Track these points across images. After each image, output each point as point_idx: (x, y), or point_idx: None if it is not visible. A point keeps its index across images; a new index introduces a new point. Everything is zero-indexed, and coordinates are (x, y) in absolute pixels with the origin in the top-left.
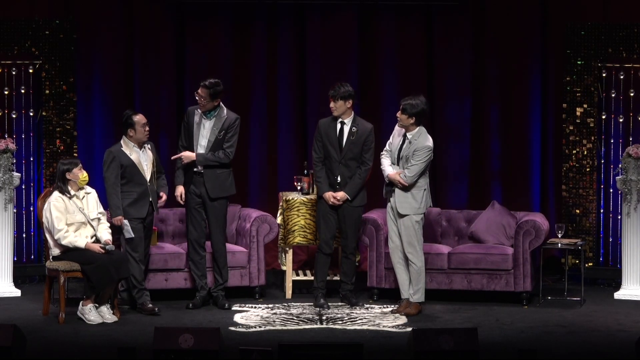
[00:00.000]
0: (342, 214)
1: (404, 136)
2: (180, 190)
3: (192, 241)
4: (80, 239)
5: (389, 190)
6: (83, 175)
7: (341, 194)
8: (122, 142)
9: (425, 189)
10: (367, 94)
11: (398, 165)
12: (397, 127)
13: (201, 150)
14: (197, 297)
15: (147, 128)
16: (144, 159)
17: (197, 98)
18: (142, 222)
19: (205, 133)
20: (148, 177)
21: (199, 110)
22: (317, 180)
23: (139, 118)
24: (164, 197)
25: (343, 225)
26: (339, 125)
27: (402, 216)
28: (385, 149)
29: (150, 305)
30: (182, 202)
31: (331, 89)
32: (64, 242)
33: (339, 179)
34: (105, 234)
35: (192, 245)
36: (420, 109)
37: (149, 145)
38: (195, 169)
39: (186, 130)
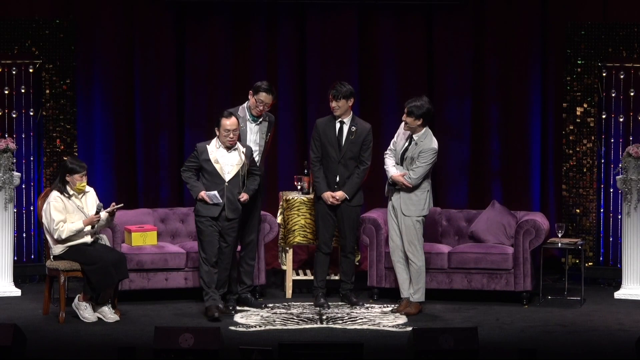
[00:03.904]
0: (340, 213)
1: (410, 137)
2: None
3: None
4: (77, 222)
5: (391, 189)
6: (81, 184)
7: (340, 194)
8: (214, 139)
9: (428, 190)
10: (367, 93)
11: (402, 165)
12: (402, 128)
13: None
14: (232, 300)
15: (232, 135)
16: (228, 161)
17: (260, 106)
18: (214, 222)
19: (254, 138)
20: (228, 178)
21: (239, 114)
22: (315, 180)
23: (225, 122)
24: (244, 196)
25: (341, 225)
26: (337, 125)
27: (404, 216)
28: (389, 148)
29: (216, 313)
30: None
31: (332, 89)
32: (64, 236)
33: (337, 178)
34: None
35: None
36: (426, 109)
37: (243, 149)
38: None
39: None
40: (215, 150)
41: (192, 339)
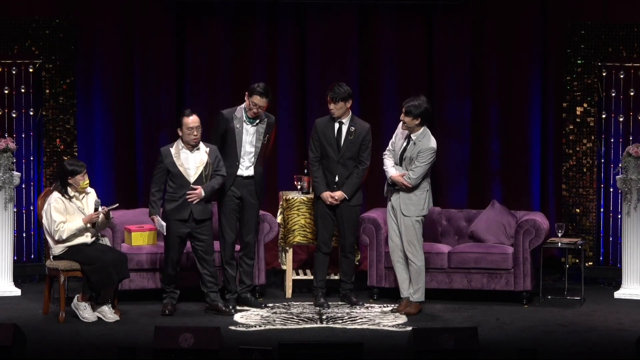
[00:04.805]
0: (339, 213)
1: (408, 137)
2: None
3: (231, 244)
4: (77, 221)
5: (391, 189)
6: (84, 182)
7: (339, 194)
8: (175, 142)
9: (427, 190)
10: (367, 93)
11: (401, 165)
12: (400, 128)
13: (247, 157)
14: (232, 300)
15: (196, 133)
16: (191, 161)
17: (253, 109)
18: (183, 224)
19: (249, 139)
20: (192, 180)
21: (236, 114)
22: (314, 180)
23: (187, 120)
24: (198, 189)
25: (340, 225)
26: (337, 125)
27: (403, 216)
28: (387, 148)
29: (167, 310)
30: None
31: (329, 91)
32: (65, 236)
33: (337, 178)
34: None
35: (230, 249)
36: (424, 109)
37: (207, 149)
38: (247, 175)
39: (223, 136)
40: (178, 152)
41: (192, 339)
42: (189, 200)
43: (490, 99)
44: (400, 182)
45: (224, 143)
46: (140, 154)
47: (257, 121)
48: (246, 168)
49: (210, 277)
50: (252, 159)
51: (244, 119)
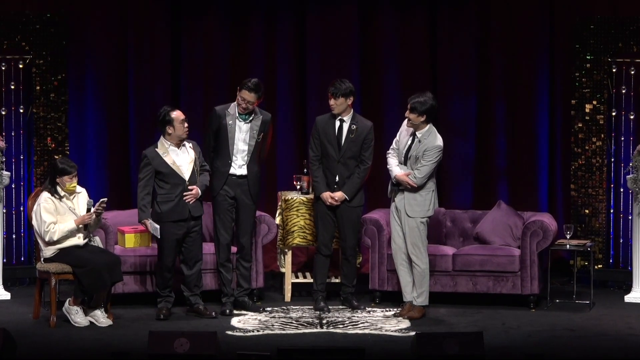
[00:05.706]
0: (340, 214)
1: (413, 135)
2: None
3: (226, 246)
4: (68, 222)
5: (395, 190)
6: (71, 185)
7: (339, 194)
8: (158, 142)
9: (433, 190)
10: (368, 91)
11: (406, 165)
12: (404, 126)
13: (240, 156)
14: (228, 304)
15: (186, 124)
16: (182, 159)
17: (242, 104)
18: (181, 224)
19: (242, 136)
20: (187, 177)
21: (229, 111)
22: (314, 179)
23: (177, 114)
24: (194, 190)
25: (341, 227)
26: (337, 123)
27: (408, 217)
28: (392, 147)
29: (162, 314)
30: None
31: (331, 86)
32: (56, 237)
33: (337, 178)
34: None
35: (225, 251)
36: (430, 105)
37: (190, 144)
38: (239, 174)
39: (216, 133)
40: (167, 152)
41: (187, 344)
42: (187, 200)
43: (496, 96)
44: (405, 181)
45: (217, 141)
46: (134, 153)
47: (251, 118)
48: (239, 167)
49: (195, 280)
50: (246, 158)
51: (237, 115)
